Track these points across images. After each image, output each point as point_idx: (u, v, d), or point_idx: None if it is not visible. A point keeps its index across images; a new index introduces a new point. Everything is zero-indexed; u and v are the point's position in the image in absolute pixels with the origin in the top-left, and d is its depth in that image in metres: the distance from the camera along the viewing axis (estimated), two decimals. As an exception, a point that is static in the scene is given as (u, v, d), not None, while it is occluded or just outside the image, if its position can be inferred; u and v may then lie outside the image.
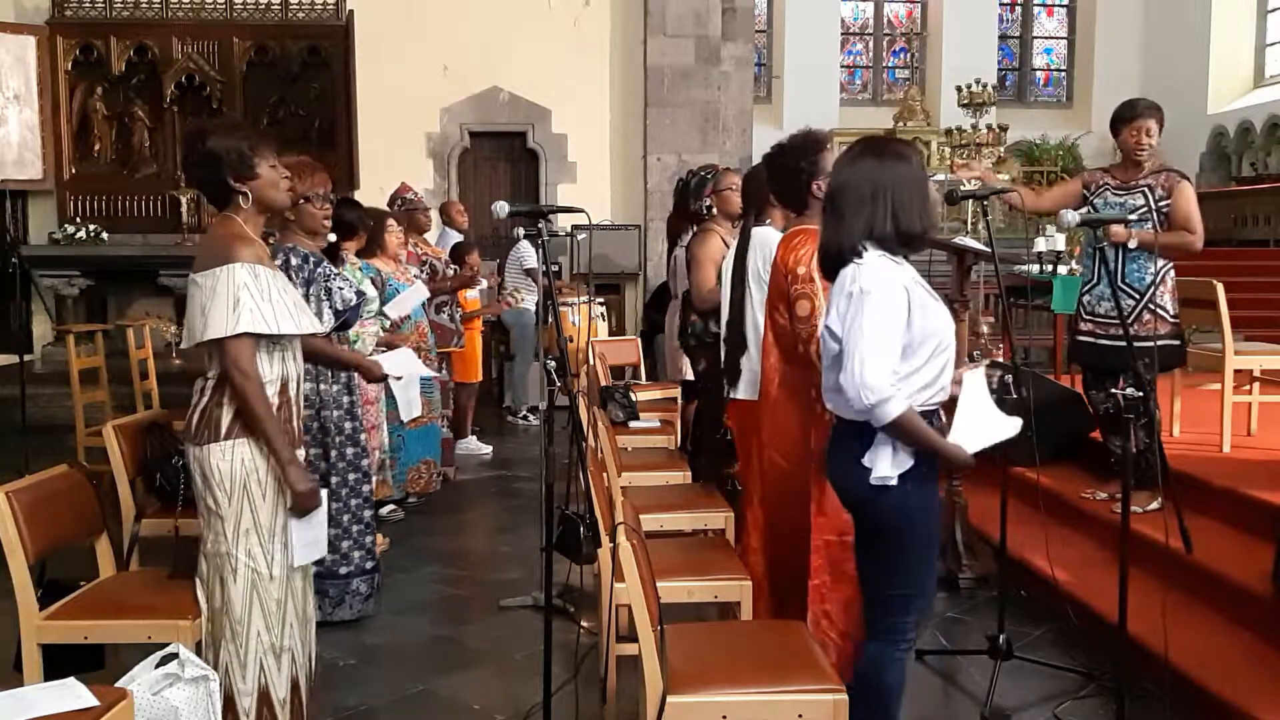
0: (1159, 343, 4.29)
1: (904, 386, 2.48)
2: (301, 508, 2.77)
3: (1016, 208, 4.60)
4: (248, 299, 2.66)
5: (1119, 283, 4.43)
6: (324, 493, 2.86)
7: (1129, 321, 4.36)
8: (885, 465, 2.51)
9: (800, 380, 3.23)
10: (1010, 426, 2.71)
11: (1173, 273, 4.46)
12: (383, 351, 5.13)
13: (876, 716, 2.64)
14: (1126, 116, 4.48)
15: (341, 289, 3.94)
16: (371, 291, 4.75)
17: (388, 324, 5.14)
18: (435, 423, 5.95)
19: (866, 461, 2.53)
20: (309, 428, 4.01)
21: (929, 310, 2.54)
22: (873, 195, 2.55)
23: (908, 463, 2.52)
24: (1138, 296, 4.40)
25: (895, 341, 2.47)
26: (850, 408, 2.52)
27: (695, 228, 5.14)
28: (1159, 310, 4.39)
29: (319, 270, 3.89)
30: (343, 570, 4.10)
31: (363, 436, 4.21)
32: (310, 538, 2.84)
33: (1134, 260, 4.40)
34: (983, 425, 2.66)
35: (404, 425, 5.52)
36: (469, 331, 7.02)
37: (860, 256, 2.54)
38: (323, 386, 4.05)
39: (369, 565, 4.20)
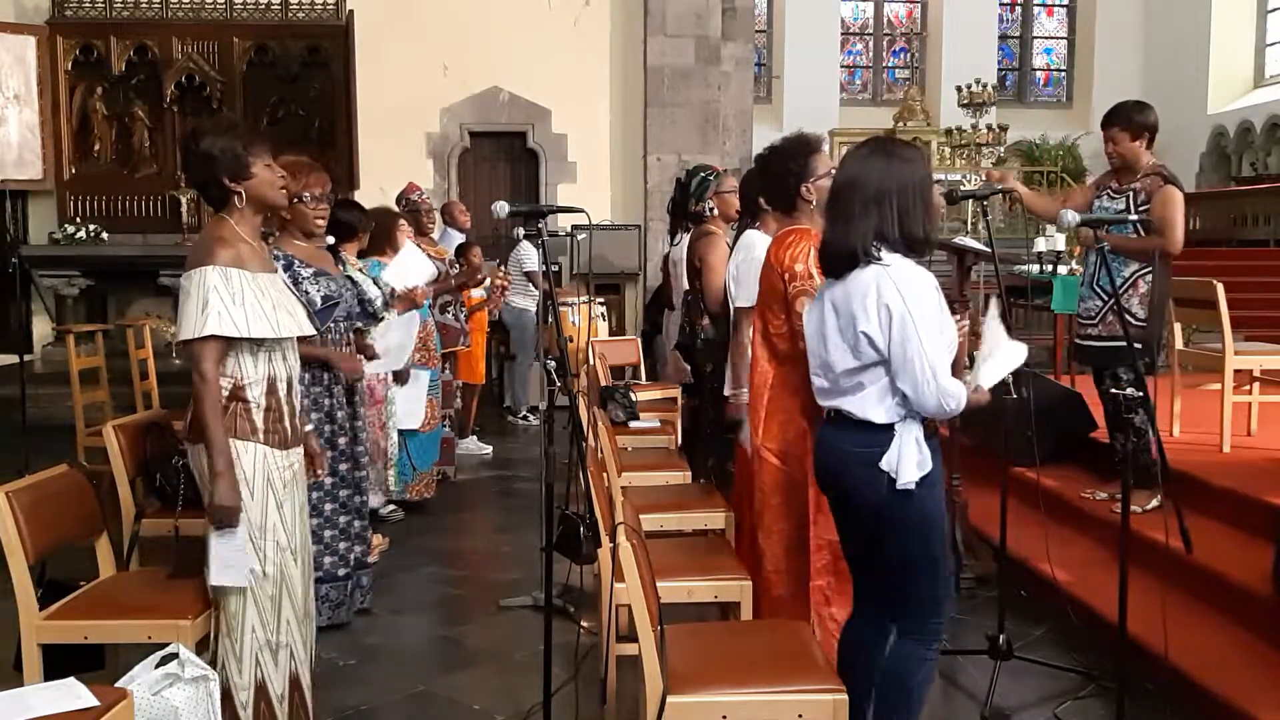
0: (1113, 344, 4.33)
1: None
2: (218, 521, 2.71)
3: (1034, 212, 4.68)
4: (216, 301, 2.66)
5: (1095, 285, 4.54)
6: (242, 530, 2.74)
7: (1096, 322, 4.54)
8: (911, 469, 2.52)
9: (796, 380, 3.23)
10: (1018, 353, 2.74)
11: (1148, 278, 4.45)
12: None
13: (900, 715, 2.65)
14: (1101, 125, 4.58)
15: (308, 291, 3.86)
16: (374, 291, 4.73)
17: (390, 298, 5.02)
18: (441, 425, 5.93)
19: (885, 465, 2.53)
20: (320, 430, 3.99)
21: (946, 310, 2.59)
22: (879, 197, 2.56)
23: (929, 465, 2.54)
24: (1105, 298, 4.44)
25: (946, 341, 2.53)
26: (889, 410, 2.55)
27: (688, 228, 5.13)
28: (1123, 313, 4.40)
29: (288, 271, 3.84)
30: (341, 572, 4.09)
31: (343, 440, 4.13)
32: (228, 559, 2.74)
33: (1111, 263, 4.43)
34: (999, 363, 2.71)
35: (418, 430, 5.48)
36: (475, 332, 7.02)
37: (878, 259, 2.54)
38: (336, 388, 4.04)
39: (340, 573, 4.10)
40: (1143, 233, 4.42)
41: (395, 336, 4.78)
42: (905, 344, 2.48)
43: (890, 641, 2.66)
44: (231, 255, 2.73)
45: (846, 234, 2.58)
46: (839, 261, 2.61)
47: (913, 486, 2.52)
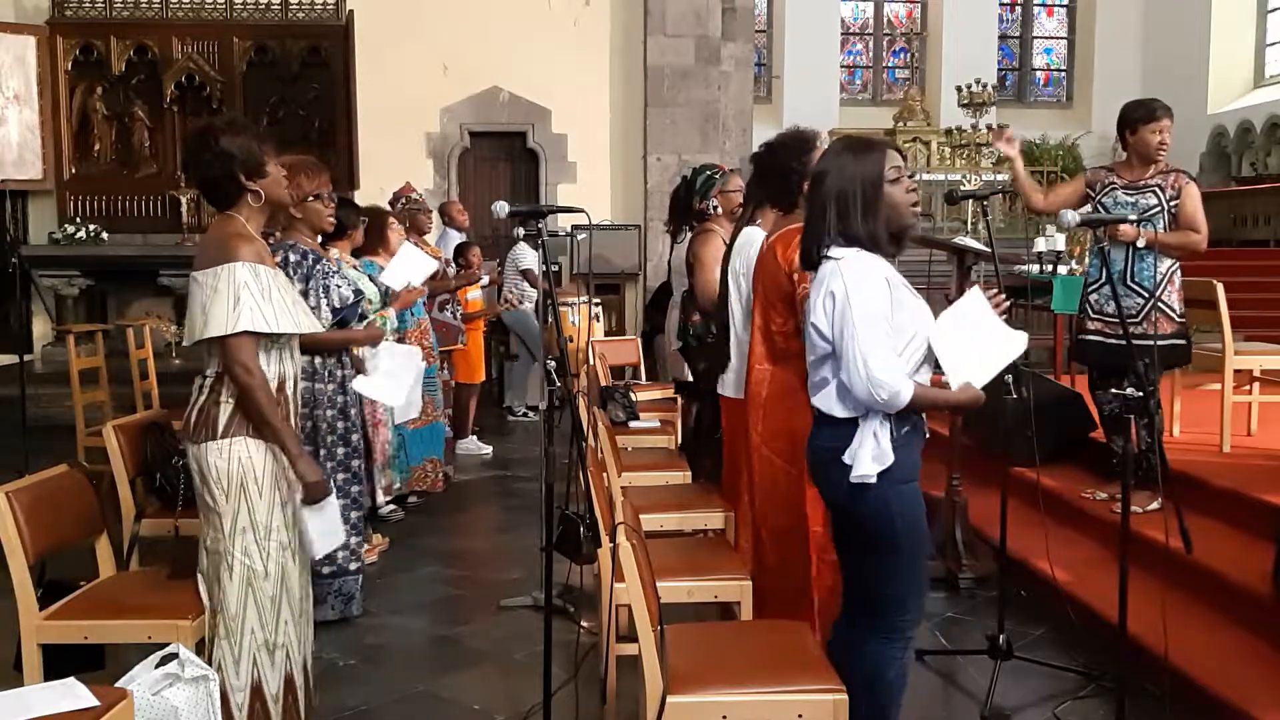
0: (1166, 341, 4.31)
1: None
2: (312, 498, 2.81)
3: (1028, 205, 4.65)
4: (248, 297, 2.67)
5: (1128, 281, 4.44)
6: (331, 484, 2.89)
7: (1139, 320, 4.42)
8: (866, 463, 2.50)
9: (793, 379, 3.24)
10: (1018, 343, 2.65)
11: (1179, 272, 4.47)
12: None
13: (876, 716, 2.64)
14: (1145, 117, 4.46)
15: (339, 286, 3.94)
16: (370, 289, 4.73)
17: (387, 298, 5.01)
18: (439, 421, 5.93)
19: (847, 459, 2.52)
20: (335, 427, 4.06)
21: (905, 305, 2.54)
22: (825, 197, 2.58)
23: (889, 459, 2.51)
24: (1146, 295, 4.40)
25: (887, 330, 2.48)
26: (850, 404, 2.52)
27: (693, 225, 5.13)
28: (1166, 309, 4.41)
29: (317, 267, 3.90)
30: (325, 570, 4.08)
31: (355, 437, 4.18)
32: (325, 528, 2.89)
33: (1142, 259, 4.41)
34: (984, 355, 2.60)
35: (406, 424, 5.49)
36: (471, 332, 7.02)
37: (829, 255, 2.55)
38: (318, 386, 4.04)
39: (352, 567, 4.18)
40: (1168, 229, 4.41)
41: (383, 363, 4.75)
42: (843, 329, 2.48)
43: (861, 640, 2.67)
44: (255, 251, 2.74)
45: (807, 234, 2.64)
46: (805, 260, 2.66)
47: (871, 480, 2.50)
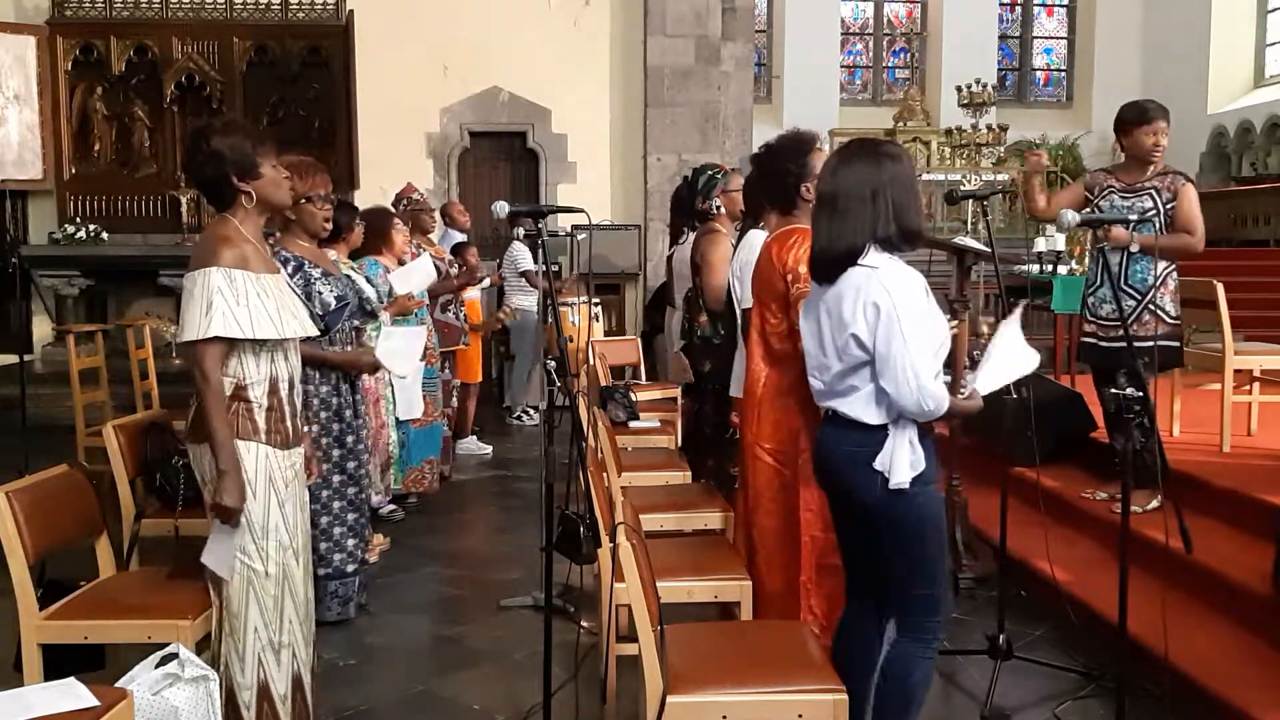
0: (1157, 343, 4.30)
1: None
2: (219, 518, 2.72)
3: (1030, 209, 4.66)
4: (220, 303, 2.66)
5: (1122, 285, 4.45)
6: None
7: (1129, 322, 4.40)
8: (904, 469, 2.52)
9: (789, 379, 3.24)
10: (1029, 361, 2.76)
11: (1175, 274, 4.46)
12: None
13: (898, 715, 2.65)
14: (1139, 120, 4.45)
15: (321, 293, 3.88)
16: (370, 290, 4.73)
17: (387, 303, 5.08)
18: (439, 422, 5.94)
19: (879, 466, 2.54)
20: (329, 429, 4.02)
21: (936, 312, 2.58)
22: (873, 196, 2.56)
23: (921, 465, 2.54)
24: (1138, 298, 4.41)
25: (933, 344, 2.52)
26: (884, 411, 2.54)
27: (695, 225, 5.12)
28: (1159, 311, 4.40)
29: (299, 273, 3.86)
30: (320, 572, 4.08)
31: (350, 439, 4.15)
32: (221, 551, 2.76)
33: (1137, 262, 4.41)
34: (1004, 369, 2.74)
35: (410, 424, 5.51)
36: (470, 332, 7.02)
37: (865, 258, 2.55)
38: (309, 388, 4.01)
39: (349, 569, 4.16)
40: (1164, 231, 4.40)
41: (397, 343, 4.77)
42: (889, 342, 2.48)
43: (889, 640, 2.67)
44: (236, 256, 2.72)
45: (843, 235, 2.59)
46: (834, 265, 2.61)
47: (905, 486, 2.53)
